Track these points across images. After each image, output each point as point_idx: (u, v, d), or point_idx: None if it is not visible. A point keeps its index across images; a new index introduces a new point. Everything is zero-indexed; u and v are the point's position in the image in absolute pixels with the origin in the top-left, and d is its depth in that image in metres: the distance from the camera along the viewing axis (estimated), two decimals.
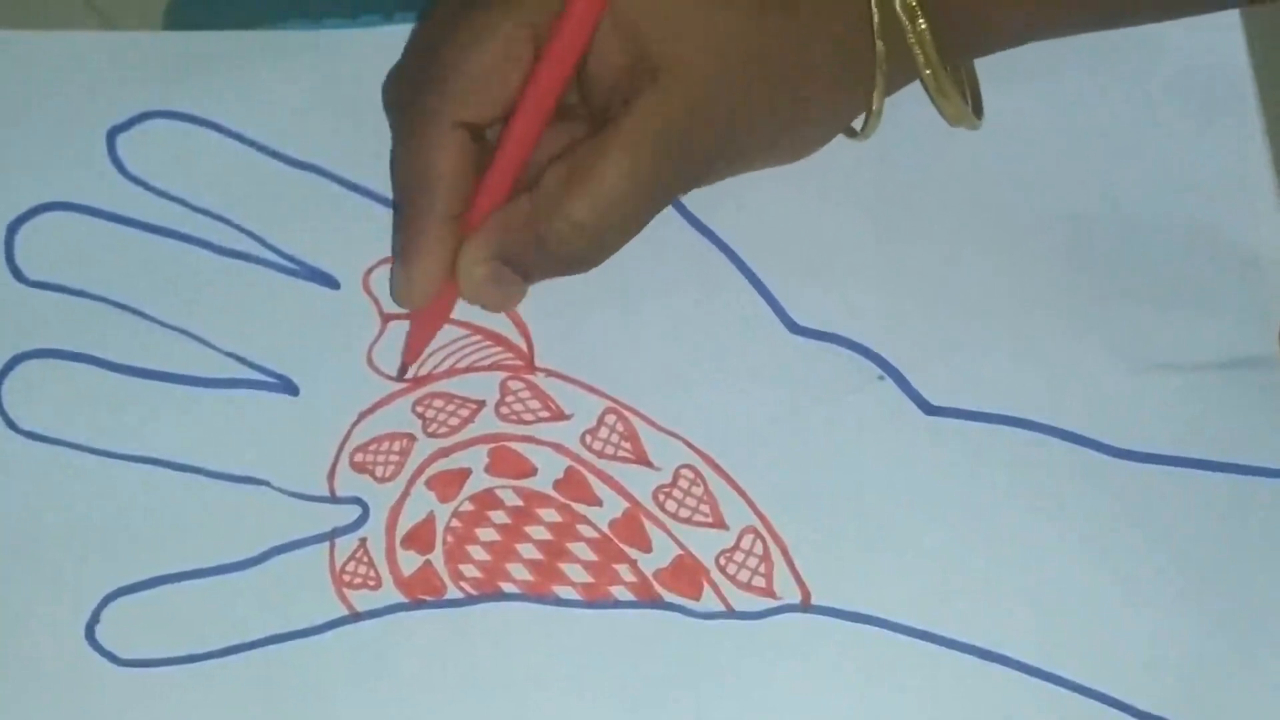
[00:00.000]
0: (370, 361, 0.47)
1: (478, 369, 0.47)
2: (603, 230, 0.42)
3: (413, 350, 0.46)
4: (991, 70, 0.47)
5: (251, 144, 0.49)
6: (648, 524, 0.45)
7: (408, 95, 0.44)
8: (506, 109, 0.43)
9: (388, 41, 0.49)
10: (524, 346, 0.47)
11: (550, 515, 0.45)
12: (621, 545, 0.45)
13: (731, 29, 0.42)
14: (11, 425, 0.46)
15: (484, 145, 0.44)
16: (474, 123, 0.43)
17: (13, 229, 0.48)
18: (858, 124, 0.47)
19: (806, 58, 0.43)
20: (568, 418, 0.46)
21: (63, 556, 0.45)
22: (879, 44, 0.43)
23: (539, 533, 0.45)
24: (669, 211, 0.48)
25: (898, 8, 0.43)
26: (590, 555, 0.45)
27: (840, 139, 0.47)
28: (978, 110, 0.47)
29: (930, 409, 0.46)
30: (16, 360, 0.47)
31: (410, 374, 0.47)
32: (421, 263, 0.43)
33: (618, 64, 0.43)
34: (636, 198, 0.42)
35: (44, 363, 0.47)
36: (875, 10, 0.43)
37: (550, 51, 0.42)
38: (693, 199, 0.47)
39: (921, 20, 0.43)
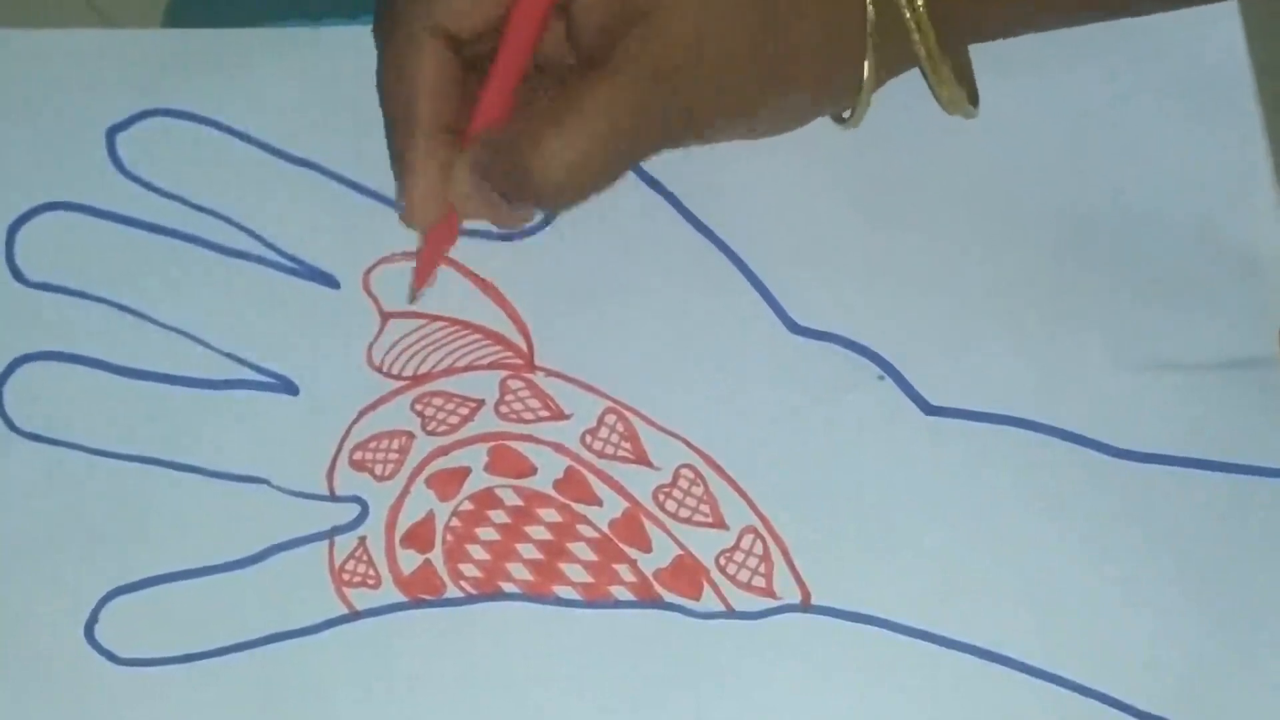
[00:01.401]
0: (370, 360, 0.47)
1: (477, 367, 0.47)
2: (578, 167, 0.42)
3: (421, 273, 0.46)
4: (990, 67, 0.47)
5: (251, 142, 0.49)
6: (648, 524, 0.45)
7: (393, 12, 0.44)
8: (488, 21, 0.43)
9: None
10: (524, 345, 0.47)
11: (550, 515, 0.45)
12: (621, 545, 0.45)
13: None
14: (11, 426, 0.46)
15: (468, 62, 0.44)
16: (454, 33, 0.43)
17: (13, 229, 0.48)
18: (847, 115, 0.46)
19: (796, 16, 0.43)
20: (567, 417, 0.46)
21: (62, 555, 0.45)
22: (870, 9, 0.43)
23: (539, 532, 0.45)
24: (669, 211, 0.48)
25: None
26: (590, 555, 0.45)
27: (832, 130, 0.47)
28: (973, 99, 0.46)
29: (930, 409, 0.46)
30: (17, 362, 0.47)
31: (410, 371, 0.47)
32: (415, 177, 0.44)
33: (605, 11, 0.42)
34: (616, 139, 0.42)
35: (43, 364, 0.47)
36: None
37: None
38: (693, 199, 0.48)
39: (920, 1, 0.43)
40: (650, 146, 0.44)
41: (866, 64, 0.44)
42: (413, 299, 0.47)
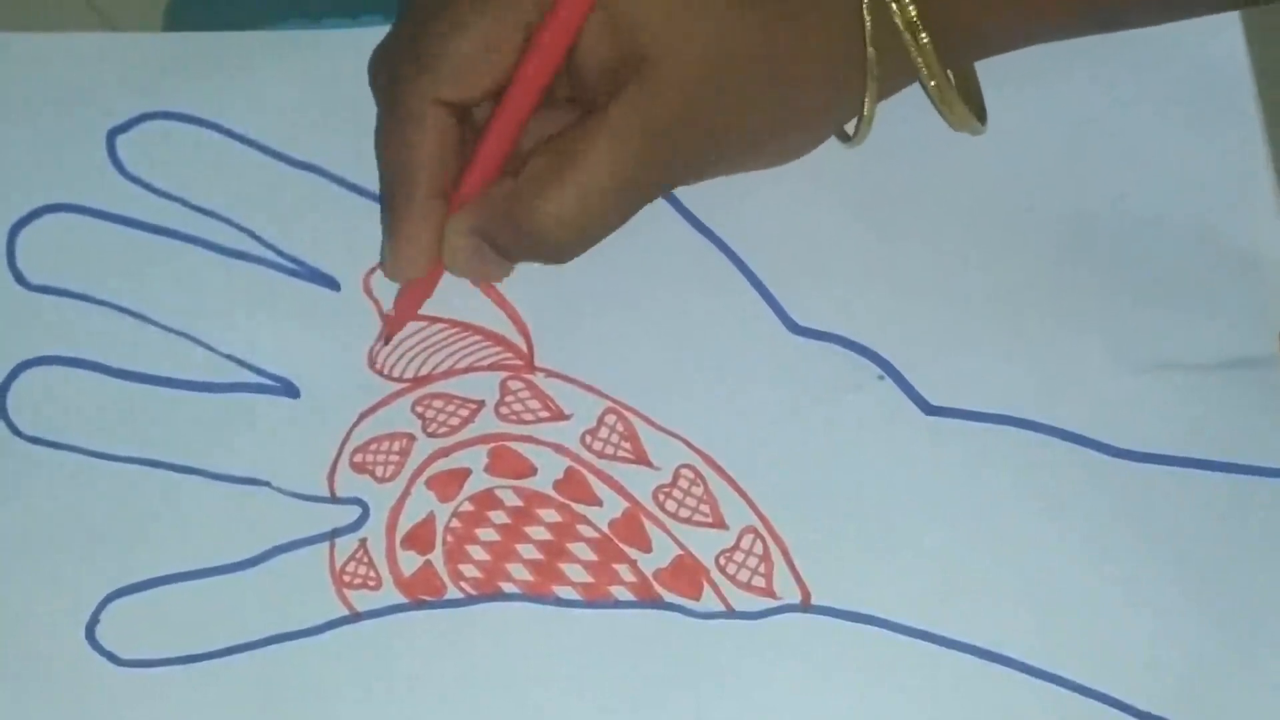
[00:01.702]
0: (371, 363, 0.47)
1: (477, 369, 0.47)
2: (581, 223, 0.42)
3: (398, 321, 0.47)
4: (991, 71, 0.47)
5: (252, 144, 0.49)
6: (648, 524, 0.45)
7: (392, 74, 0.44)
8: (491, 91, 0.43)
9: None
10: (524, 346, 0.47)
11: (550, 515, 0.45)
12: (621, 545, 0.45)
13: (722, 25, 0.42)
14: (14, 430, 0.46)
15: (469, 127, 0.44)
16: (458, 103, 0.43)
17: (14, 232, 0.48)
18: (850, 128, 0.46)
19: (797, 57, 0.43)
20: (567, 418, 0.46)
21: (63, 557, 0.45)
22: (870, 50, 0.43)
23: (539, 533, 0.45)
24: (669, 211, 0.48)
25: (899, 23, 0.42)
26: (590, 555, 0.45)
27: (833, 142, 0.47)
28: (980, 115, 0.47)
29: (930, 409, 0.46)
30: (20, 367, 0.47)
31: (411, 373, 0.47)
32: (407, 241, 0.44)
33: (607, 55, 0.42)
34: (618, 192, 0.42)
35: (46, 368, 0.47)
36: (867, 16, 0.42)
37: (541, 37, 0.42)
38: (693, 199, 0.48)
39: (924, 35, 0.43)
40: (653, 193, 0.44)
41: (866, 100, 0.44)
42: (385, 342, 0.47)
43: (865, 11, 0.42)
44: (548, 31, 0.42)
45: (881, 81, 0.44)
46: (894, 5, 0.42)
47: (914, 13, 0.42)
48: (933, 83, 0.44)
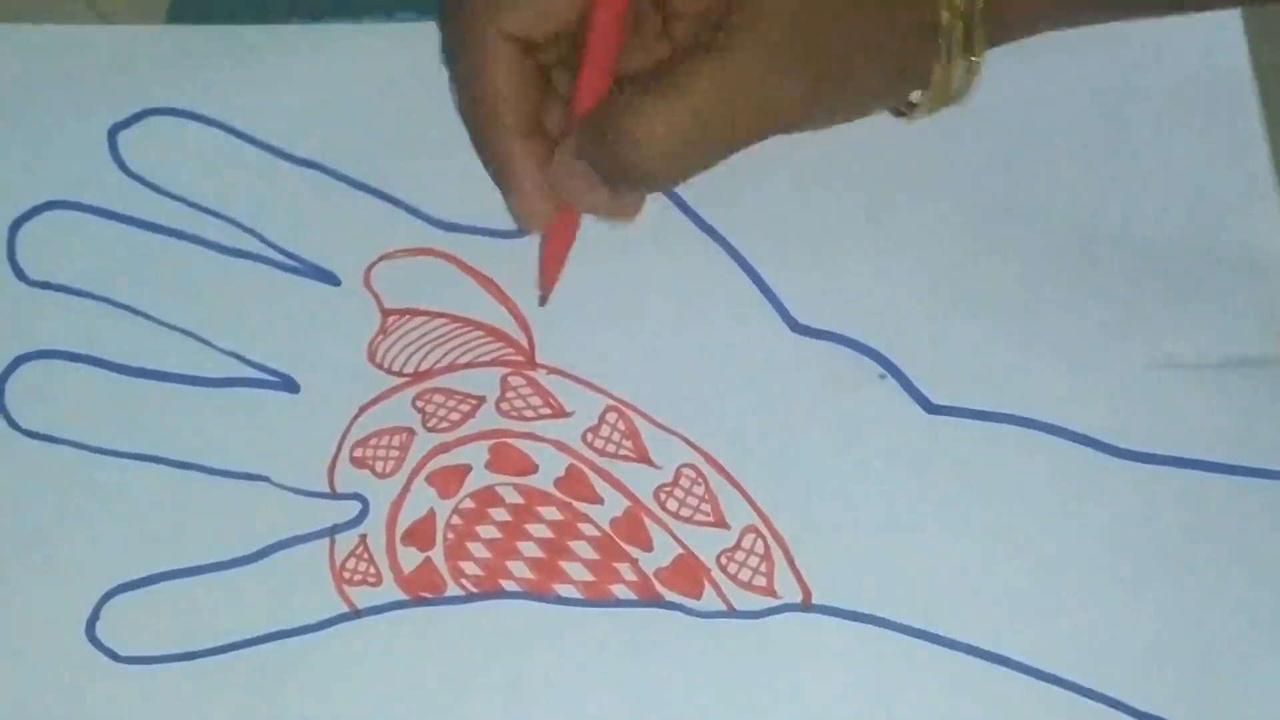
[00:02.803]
0: (371, 357, 0.47)
1: (478, 364, 0.47)
2: (680, 146, 0.41)
3: (548, 274, 0.46)
4: (993, 70, 0.47)
5: (252, 141, 0.48)
6: (649, 522, 0.45)
7: (464, 19, 0.43)
8: (558, 26, 0.43)
9: (390, 38, 0.49)
10: (525, 342, 0.47)
11: (551, 513, 0.45)
12: (622, 544, 0.45)
13: None
14: (14, 425, 0.46)
15: (541, 68, 0.43)
16: (524, 38, 0.43)
17: (14, 228, 0.48)
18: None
19: (884, 4, 0.42)
20: (569, 415, 0.46)
21: (63, 553, 0.45)
22: (944, 14, 0.42)
23: (540, 530, 0.45)
24: (671, 209, 0.48)
25: None
26: (591, 553, 0.45)
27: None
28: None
29: (931, 408, 0.46)
30: (19, 361, 0.46)
31: (411, 368, 0.46)
32: (516, 177, 0.43)
33: None
34: (719, 118, 0.41)
35: (45, 363, 0.46)
36: None
37: None
38: (696, 197, 0.47)
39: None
40: (754, 130, 0.42)
41: (939, 68, 0.43)
42: (543, 302, 0.47)
43: None
44: None
45: (950, 45, 0.43)
46: None
47: None
48: (973, 58, 0.43)
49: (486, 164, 0.44)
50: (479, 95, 0.43)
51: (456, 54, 0.44)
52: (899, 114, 0.46)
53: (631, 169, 0.42)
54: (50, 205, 0.48)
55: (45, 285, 0.47)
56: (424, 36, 0.50)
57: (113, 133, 0.48)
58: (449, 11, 0.45)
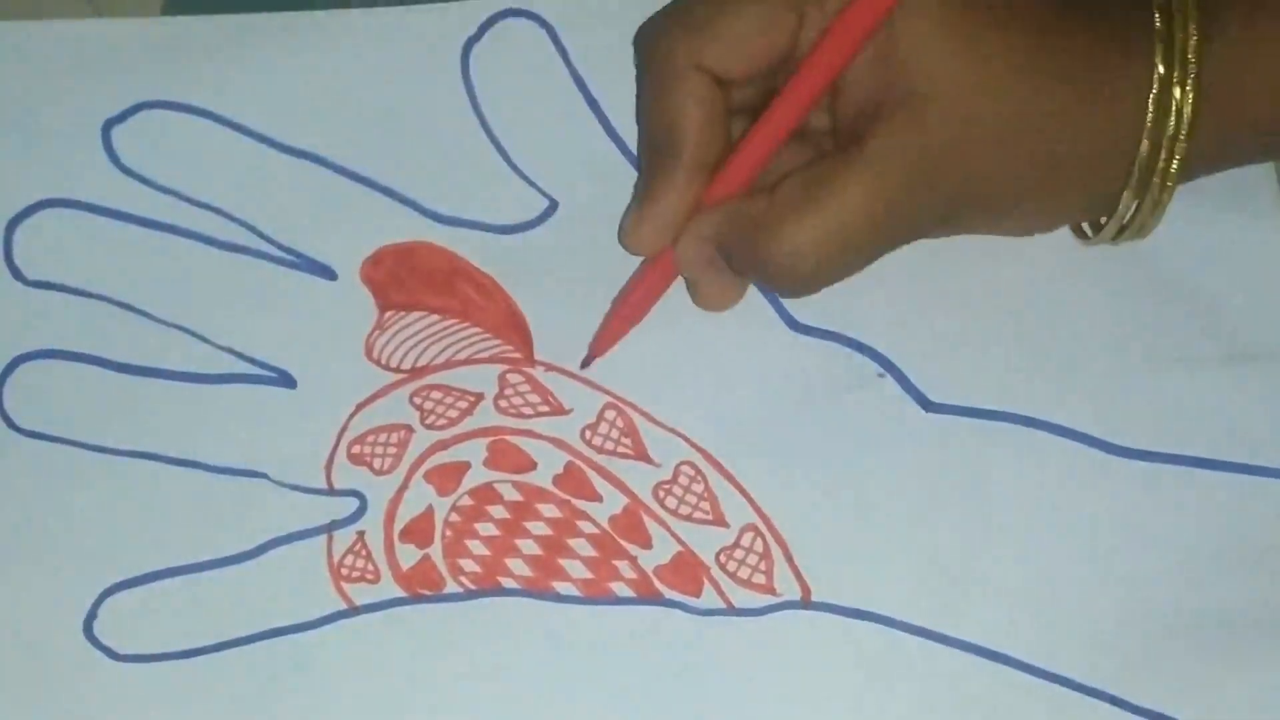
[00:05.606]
0: (368, 353, 0.47)
1: (476, 361, 0.47)
2: (824, 255, 0.41)
3: (605, 339, 0.46)
4: None
5: (247, 133, 0.48)
6: (648, 520, 0.45)
7: (660, 42, 0.43)
8: (757, 69, 0.42)
9: (389, 25, 0.48)
10: (523, 339, 0.47)
11: (550, 510, 0.45)
12: (621, 541, 0.45)
13: (996, 75, 0.40)
14: (11, 425, 0.46)
15: (730, 106, 0.43)
16: (721, 73, 0.42)
17: (10, 227, 0.47)
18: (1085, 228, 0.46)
19: (1066, 124, 0.41)
20: (567, 412, 0.46)
21: (60, 552, 0.45)
22: (1145, 144, 0.41)
23: (538, 528, 0.45)
24: None
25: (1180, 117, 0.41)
26: (590, 551, 0.45)
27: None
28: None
29: (930, 406, 0.46)
30: (16, 361, 0.46)
31: (409, 364, 0.46)
32: (660, 207, 0.43)
33: (874, 85, 0.41)
34: (866, 233, 0.41)
35: (42, 362, 0.46)
36: (1150, 109, 0.41)
37: (829, 30, 0.41)
38: None
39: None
40: (899, 240, 0.43)
41: (1125, 193, 0.43)
42: (585, 365, 0.46)
43: (1150, 104, 0.41)
44: (838, 23, 0.41)
45: (1144, 178, 0.42)
46: (1175, 96, 0.41)
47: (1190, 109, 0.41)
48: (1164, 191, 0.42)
49: (642, 178, 0.44)
50: (664, 117, 0.42)
51: (647, 68, 0.43)
52: (1081, 235, 0.46)
53: (771, 275, 0.42)
54: (45, 204, 0.47)
55: (41, 284, 0.47)
56: (423, 23, 0.49)
57: (106, 128, 0.48)
58: (646, 27, 0.44)
